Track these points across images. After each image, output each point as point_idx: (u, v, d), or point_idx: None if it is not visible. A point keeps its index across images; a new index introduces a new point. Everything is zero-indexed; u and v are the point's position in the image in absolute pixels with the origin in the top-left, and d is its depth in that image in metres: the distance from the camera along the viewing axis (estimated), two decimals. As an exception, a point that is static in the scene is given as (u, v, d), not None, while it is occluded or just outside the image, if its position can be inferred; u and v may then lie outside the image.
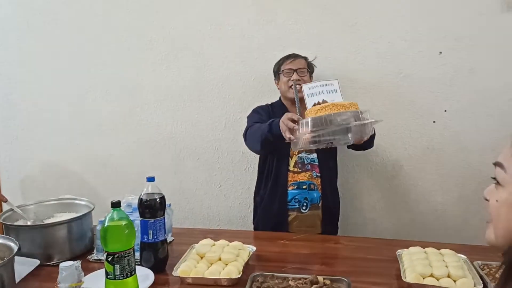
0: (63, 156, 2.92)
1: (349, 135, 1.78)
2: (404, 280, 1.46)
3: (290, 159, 2.23)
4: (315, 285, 1.43)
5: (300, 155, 2.23)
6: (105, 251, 1.32)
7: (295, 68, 2.24)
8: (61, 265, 1.34)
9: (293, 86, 1.95)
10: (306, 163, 2.23)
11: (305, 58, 2.32)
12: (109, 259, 1.31)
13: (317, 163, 2.24)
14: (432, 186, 2.56)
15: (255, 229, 2.38)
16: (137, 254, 1.60)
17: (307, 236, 2.01)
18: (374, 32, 2.48)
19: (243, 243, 1.76)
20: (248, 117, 2.33)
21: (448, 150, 2.51)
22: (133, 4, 2.71)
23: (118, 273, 1.32)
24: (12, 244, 1.51)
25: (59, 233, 1.71)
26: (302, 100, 1.93)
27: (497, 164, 0.82)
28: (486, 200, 0.86)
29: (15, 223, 1.77)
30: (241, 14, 2.60)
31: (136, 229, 1.41)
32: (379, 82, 2.52)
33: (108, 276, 1.32)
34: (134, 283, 1.36)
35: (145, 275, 1.53)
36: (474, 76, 2.42)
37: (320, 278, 1.46)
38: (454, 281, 1.44)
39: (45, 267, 1.65)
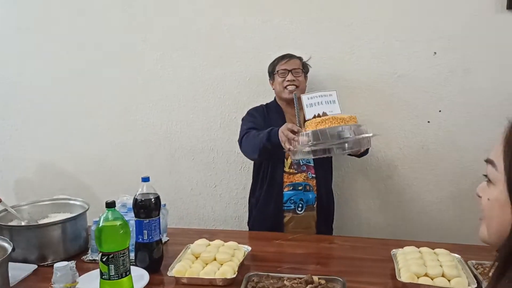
0: (57, 156, 2.91)
1: (346, 147, 1.82)
2: (398, 279, 1.46)
3: (285, 160, 2.23)
4: (310, 285, 1.43)
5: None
6: (100, 252, 1.32)
7: (289, 68, 2.24)
8: (56, 265, 1.34)
9: (293, 97, 1.97)
10: (301, 164, 2.24)
11: (300, 58, 2.32)
12: (104, 260, 1.31)
13: (312, 164, 2.25)
14: (427, 186, 2.57)
15: (250, 230, 2.38)
16: (132, 254, 1.59)
17: (302, 236, 2.01)
18: (369, 33, 2.49)
19: (238, 243, 1.76)
20: (242, 120, 2.33)
21: (443, 150, 2.52)
22: (128, 3, 2.70)
23: (113, 274, 1.31)
24: (6, 245, 1.50)
25: (54, 234, 1.70)
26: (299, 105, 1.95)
27: (488, 161, 0.82)
28: (479, 196, 0.86)
29: (9, 224, 1.76)
30: (236, 14, 2.60)
31: (131, 229, 1.40)
32: (374, 82, 2.52)
33: (103, 277, 1.32)
34: (129, 284, 1.35)
35: (140, 275, 1.53)
36: (468, 76, 2.43)
37: (315, 278, 1.46)
38: (449, 280, 1.45)
39: (39, 268, 1.65)
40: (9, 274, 1.46)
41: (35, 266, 1.64)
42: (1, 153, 2.99)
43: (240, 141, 2.22)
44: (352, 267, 1.66)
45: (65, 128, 2.88)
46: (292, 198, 2.23)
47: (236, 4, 2.59)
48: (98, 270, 1.34)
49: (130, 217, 1.64)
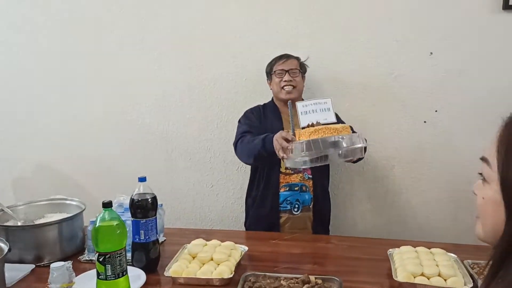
0: (54, 156, 2.90)
1: (339, 157, 1.85)
2: (395, 279, 1.47)
3: (282, 161, 2.23)
4: (307, 285, 1.43)
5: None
6: (97, 252, 1.31)
7: (287, 68, 2.25)
8: (52, 265, 1.34)
9: (288, 105, 1.98)
10: (327, 144, 2.21)
11: (298, 59, 2.33)
12: (101, 260, 1.30)
13: None
14: (423, 186, 2.57)
15: (247, 231, 2.38)
16: (129, 255, 1.59)
17: (299, 236, 2.02)
18: (366, 33, 2.49)
19: (235, 243, 1.76)
20: (239, 121, 2.34)
21: (439, 150, 2.53)
22: (125, 4, 2.70)
23: (110, 274, 1.31)
24: (2, 245, 1.50)
25: (50, 234, 1.70)
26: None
27: (483, 159, 0.82)
28: (475, 194, 0.86)
29: (5, 224, 1.76)
30: (233, 14, 2.60)
31: (127, 229, 1.40)
32: (371, 82, 2.53)
33: (100, 277, 1.32)
34: (125, 284, 1.35)
35: (136, 276, 1.53)
36: (464, 76, 2.44)
37: (312, 278, 1.47)
38: (445, 280, 1.45)
39: (36, 268, 1.64)
40: (6, 275, 1.46)
41: (32, 266, 1.63)
42: (-3, 153, 2.98)
43: (235, 146, 2.23)
44: (348, 267, 1.67)
45: (61, 128, 2.87)
46: (288, 199, 2.23)
47: (232, 4, 2.59)
48: (95, 270, 1.34)
49: (127, 217, 1.64)
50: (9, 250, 1.46)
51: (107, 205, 1.35)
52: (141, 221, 1.59)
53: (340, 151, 1.80)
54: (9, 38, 2.86)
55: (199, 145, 2.75)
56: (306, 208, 2.25)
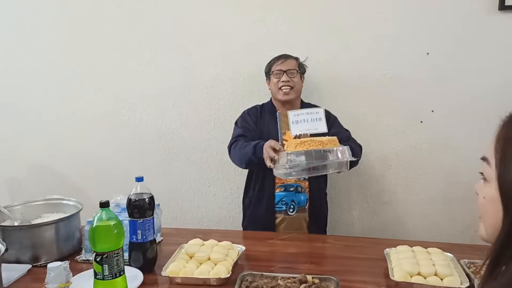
0: (50, 156, 2.90)
1: (322, 170, 1.86)
2: (392, 278, 1.47)
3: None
4: (304, 284, 1.43)
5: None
6: (94, 251, 1.31)
7: (284, 69, 2.25)
8: (49, 265, 1.33)
9: (277, 116, 2.00)
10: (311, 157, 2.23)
11: (297, 59, 2.32)
12: (98, 259, 1.30)
13: None
14: (420, 186, 2.58)
15: (244, 231, 2.38)
16: (126, 254, 1.59)
17: (296, 236, 2.02)
18: (362, 33, 2.50)
19: (232, 242, 1.77)
20: (235, 123, 2.35)
21: (435, 150, 2.54)
22: (121, 4, 2.69)
23: (107, 273, 1.31)
24: (-1, 245, 1.49)
25: (47, 234, 1.69)
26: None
27: (483, 159, 0.83)
28: (477, 194, 0.87)
29: (2, 224, 1.75)
30: (230, 14, 2.60)
31: (124, 229, 1.40)
32: (367, 82, 2.53)
33: (97, 277, 1.32)
34: (123, 284, 1.35)
35: (134, 275, 1.53)
36: (461, 76, 2.45)
37: (309, 277, 1.47)
38: (441, 279, 1.46)
39: (32, 268, 1.64)
40: (3, 275, 1.46)
41: (29, 266, 1.63)
42: (-7, 153, 2.97)
43: (229, 149, 2.25)
44: (345, 266, 1.67)
45: (58, 128, 2.87)
46: (283, 199, 2.23)
47: (229, 4, 2.60)
48: (92, 270, 1.34)
49: (124, 217, 1.64)
50: (6, 250, 1.45)
51: (104, 205, 1.35)
52: (138, 221, 1.59)
53: (325, 166, 1.82)
54: (3, 38, 2.85)
55: (196, 145, 2.75)
56: (302, 209, 2.25)
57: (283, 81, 2.23)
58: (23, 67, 2.86)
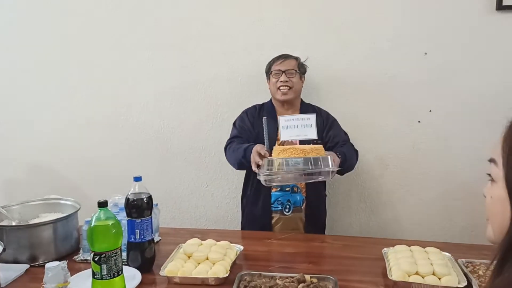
0: (48, 156, 2.89)
1: (300, 178, 1.92)
2: (390, 278, 1.47)
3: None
4: (302, 284, 1.43)
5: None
6: (92, 251, 1.31)
7: (283, 69, 2.24)
8: (47, 265, 1.33)
9: (263, 121, 2.01)
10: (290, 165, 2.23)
11: (297, 59, 2.31)
12: (96, 259, 1.30)
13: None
14: (417, 185, 2.59)
15: (242, 230, 2.38)
16: (124, 254, 1.59)
17: (294, 236, 2.02)
18: (360, 33, 2.50)
19: (231, 242, 1.76)
20: (234, 123, 2.36)
21: (433, 150, 2.54)
22: (119, 4, 2.69)
23: (105, 273, 1.31)
24: (-4, 245, 1.49)
25: (45, 234, 1.69)
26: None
27: (491, 160, 0.84)
28: (485, 196, 0.88)
29: (0, 224, 1.75)
30: (228, 14, 2.60)
31: (122, 229, 1.40)
32: (365, 82, 2.54)
33: (95, 276, 1.32)
34: (121, 283, 1.35)
35: (132, 275, 1.52)
36: (458, 76, 2.46)
37: (307, 277, 1.47)
38: (439, 278, 1.46)
39: (30, 268, 1.63)
40: (0, 275, 1.45)
41: (27, 266, 1.63)
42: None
43: (225, 150, 2.29)
44: (343, 266, 1.67)
45: (55, 128, 2.86)
46: (279, 199, 2.23)
47: (227, 4, 2.60)
48: (90, 270, 1.34)
49: (122, 217, 1.63)
50: (4, 250, 1.45)
51: (102, 204, 1.35)
52: (137, 221, 1.59)
53: (304, 173, 1.85)
54: (2, 37, 2.84)
55: (194, 145, 2.75)
56: (298, 209, 2.24)
57: (281, 81, 2.23)
58: (21, 67, 2.85)
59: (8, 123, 2.92)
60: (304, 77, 2.35)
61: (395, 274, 1.48)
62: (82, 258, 1.72)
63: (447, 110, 2.49)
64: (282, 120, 1.97)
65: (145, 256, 1.61)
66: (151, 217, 1.63)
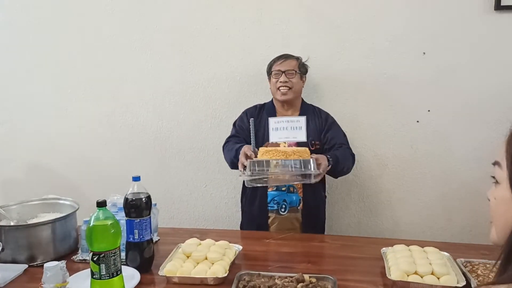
0: (47, 156, 2.89)
1: (281, 180, 1.95)
2: (388, 277, 1.47)
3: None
4: (301, 283, 1.43)
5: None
6: (91, 251, 1.31)
7: (283, 69, 2.24)
8: (46, 265, 1.33)
9: (251, 123, 2.02)
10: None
11: (298, 59, 2.31)
12: (95, 259, 1.30)
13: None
14: (416, 185, 2.59)
15: (241, 229, 2.38)
16: (123, 254, 1.59)
17: (293, 235, 2.02)
18: (359, 33, 2.50)
19: (230, 242, 1.76)
20: (234, 123, 2.37)
21: (432, 149, 2.54)
22: (117, 4, 2.69)
23: (104, 273, 1.30)
24: (-5, 245, 1.49)
25: (43, 234, 1.69)
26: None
27: (495, 163, 0.85)
28: (489, 200, 0.88)
29: (-2, 224, 1.75)
30: (226, 14, 2.60)
31: (121, 228, 1.40)
32: (363, 82, 2.54)
33: (94, 276, 1.31)
34: (120, 283, 1.35)
35: (131, 275, 1.52)
36: (457, 76, 2.46)
37: (306, 277, 1.47)
38: (438, 278, 1.46)
39: (29, 268, 1.63)
40: (-1, 275, 1.45)
41: (25, 266, 1.62)
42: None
43: (222, 149, 2.31)
44: (342, 265, 1.67)
45: (54, 128, 2.86)
46: (275, 199, 2.23)
47: (225, 4, 2.59)
48: (89, 270, 1.34)
49: (121, 217, 1.63)
50: (2, 250, 1.45)
51: (101, 204, 1.35)
52: (135, 221, 1.59)
53: (283, 175, 1.88)
54: (2, 37, 2.84)
55: (192, 145, 2.75)
56: (294, 209, 2.24)
57: (281, 82, 2.23)
58: (20, 67, 2.85)
59: (7, 123, 2.91)
60: (305, 77, 2.35)
61: (394, 273, 1.48)
62: (80, 258, 1.72)
63: (445, 109, 2.49)
64: (272, 122, 1.99)
65: (144, 256, 1.61)
66: (150, 217, 1.63)
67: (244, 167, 1.92)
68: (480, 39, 2.41)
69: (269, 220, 2.24)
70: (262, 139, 2.18)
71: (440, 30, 2.44)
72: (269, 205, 2.23)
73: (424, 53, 2.47)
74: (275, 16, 2.56)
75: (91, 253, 1.31)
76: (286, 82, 2.22)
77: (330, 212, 2.53)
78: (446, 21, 2.43)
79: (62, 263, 1.35)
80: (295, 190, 2.23)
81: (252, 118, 2.05)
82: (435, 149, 2.54)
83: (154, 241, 1.77)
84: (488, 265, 1.58)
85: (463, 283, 1.44)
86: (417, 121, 2.53)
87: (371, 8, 2.48)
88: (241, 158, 1.96)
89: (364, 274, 1.59)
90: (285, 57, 2.30)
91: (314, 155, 1.95)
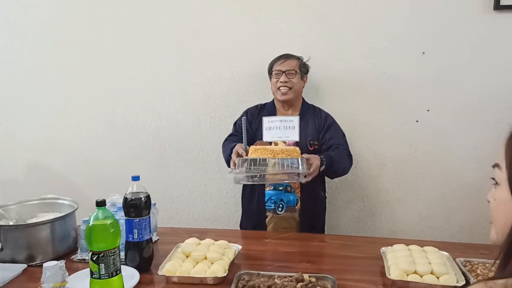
0: (46, 156, 2.89)
1: (272, 180, 1.96)
2: (388, 277, 1.47)
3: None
4: (301, 283, 1.43)
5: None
6: (90, 250, 1.31)
7: (284, 69, 2.24)
8: (45, 265, 1.32)
9: (242, 121, 2.02)
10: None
11: (298, 59, 2.31)
12: (94, 259, 1.30)
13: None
14: (416, 185, 2.59)
15: (241, 228, 2.39)
16: (122, 254, 1.59)
17: (293, 235, 2.02)
18: (358, 33, 2.50)
19: (229, 242, 1.76)
20: (234, 123, 2.38)
21: (431, 149, 2.54)
22: (116, 4, 2.69)
23: (103, 273, 1.30)
24: (-6, 245, 1.49)
25: (42, 233, 1.69)
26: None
27: (495, 165, 0.86)
28: (489, 201, 0.89)
29: (-3, 223, 1.75)
30: (225, 14, 2.60)
31: (120, 228, 1.39)
32: (363, 82, 2.54)
33: (93, 276, 1.31)
34: (119, 283, 1.35)
35: (130, 275, 1.52)
36: (456, 76, 2.46)
37: (306, 276, 1.47)
38: (437, 277, 1.46)
39: (28, 267, 1.63)
40: (-2, 275, 1.45)
41: (24, 266, 1.62)
42: (-12, 153, 2.96)
43: (222, 147, 2.31)
44: (342, 265, 1.67)
45: (53, 128, 2.86)
46: (272, 198, 2.23)
47: (225, 4, 2.59)
48: (88, 269, 1.33)
49: (120, 217, 1.63)
50: (1, 249, 1.45)
51: (100, 203, 1.35)
52: (135, 220, 1.58)
53: (270, 174, 1.88)
54: (1, 37, 2.83)
55: (192, 145, 2.75)
56: (291, 208, 2.23)
57: (281, 82, 2.23)
58: (19, 67, 2.85)
59: (6, 123, 2.91)
60: (306, 77, 2.35)
61: (394, 273, 1.48)
62: (80, 257, 1.72)
63: (445, 109, 2.50)
64: (266, 121, 1.99)
65: (143, 256, 1.61)
66: (149, 217, 1.63)
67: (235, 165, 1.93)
68: (479, 39, 2.41)
69: (267, 219, 2.24)
70: (260, 138, 2.18)
71: (440, 30, 2.44)
72: (266, 204, 2.23)
73: (423, 53, 2.47)
74: (275, 16, 2.56)
75: (91, 253, 1.30)
76: (286, 82, 2.22)
77: (329, 212, 2.53)
78: (446, 21, 2.43)
79: (61, 263, 1.35)
80: (292, 190, 2.23)
81: (245, 117, 2.06)
82: (435, 149, 2.54)
83: (153, 241, 1.77)
84: (487, 265, 1.58)
85: (463, 282, 1.44)
86: (417, 121, 2.53)
87: (371, 8, 2.48)
88: (233, 156, 1.97)
89: (363, 273, 1.59)
90: (286, 57, 2.29)
91: (306, 155, 1.96)
